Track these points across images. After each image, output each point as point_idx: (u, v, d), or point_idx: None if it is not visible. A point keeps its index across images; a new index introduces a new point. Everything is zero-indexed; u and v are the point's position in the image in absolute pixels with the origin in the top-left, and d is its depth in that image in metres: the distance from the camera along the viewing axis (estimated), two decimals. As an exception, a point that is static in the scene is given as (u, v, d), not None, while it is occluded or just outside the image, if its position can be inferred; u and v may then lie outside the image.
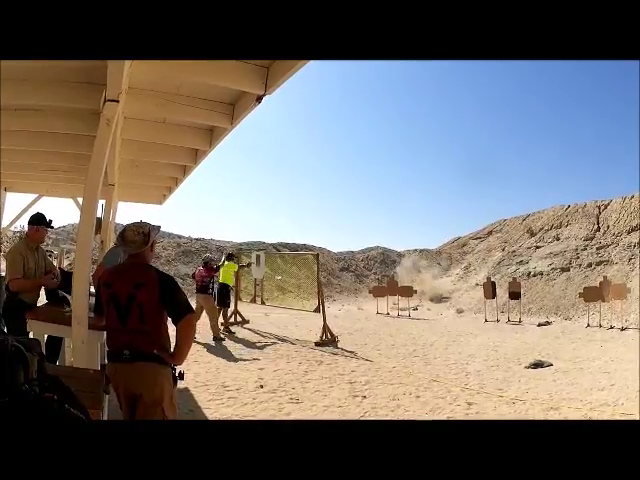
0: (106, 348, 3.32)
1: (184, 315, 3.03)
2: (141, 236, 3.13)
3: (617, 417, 6.07)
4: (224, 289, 11.64)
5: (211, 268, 10.97)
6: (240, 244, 29.24)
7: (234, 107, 5.13)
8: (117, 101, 3.79)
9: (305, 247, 32.31)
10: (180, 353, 3.07)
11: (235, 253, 13.80)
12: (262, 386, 6.45)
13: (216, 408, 5.67)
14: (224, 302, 11.65)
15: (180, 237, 29.80)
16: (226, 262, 11.94)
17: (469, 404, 6.35)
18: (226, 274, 11.71)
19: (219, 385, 6.59)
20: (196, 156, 6.42)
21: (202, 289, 10.72)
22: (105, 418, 3.97)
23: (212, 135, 5.82)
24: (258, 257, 13.04)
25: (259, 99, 4.42)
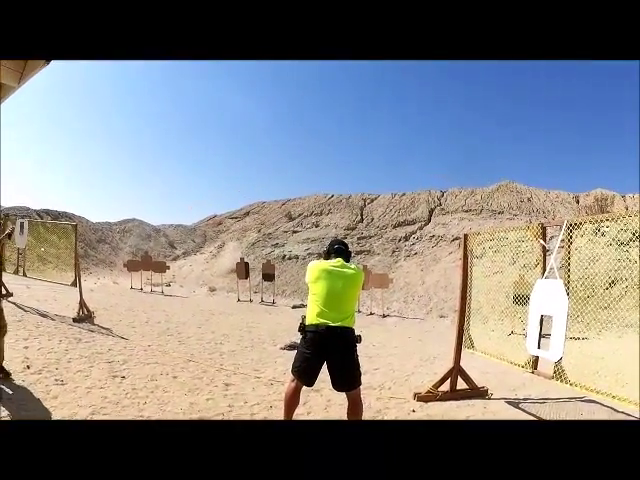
0: None
1: None
2: None
3: (385, 400, 6.24)
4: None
5: None
6: (7, 209, 26.39)
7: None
8: None
9: (66, 215, 30.50)
10: None
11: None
12: (29, 366, 6.08)
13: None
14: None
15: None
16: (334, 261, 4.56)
17: (227, 385, 6.47)
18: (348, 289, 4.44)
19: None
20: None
21: None
22: None
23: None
24: (22, 225, 11.96)
25: None
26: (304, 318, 4.39)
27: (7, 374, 5.44)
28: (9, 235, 5.90)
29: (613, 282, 12.91)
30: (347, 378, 4.30)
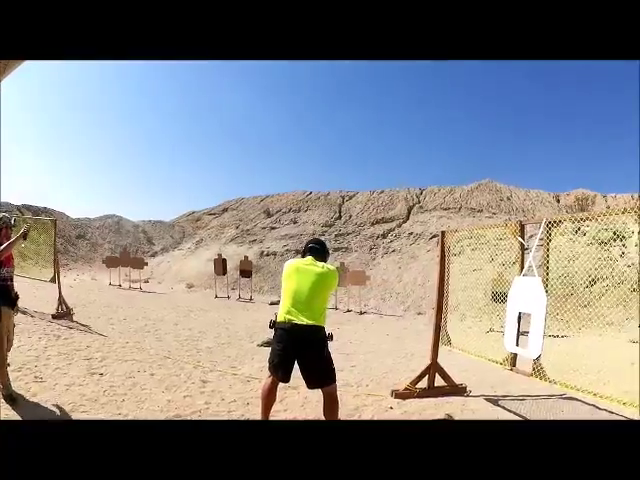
0: None
1: None
2: None
3: (362, 397, 6.19)
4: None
5: None
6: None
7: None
8: None
9: (46, 211, 30.26)
10: None
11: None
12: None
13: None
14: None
15: None
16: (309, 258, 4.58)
17: (204, 382, 6.45)
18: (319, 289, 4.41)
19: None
20: None
21: None
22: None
23: None
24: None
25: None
26: (277, 315, 4.40)
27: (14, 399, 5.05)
28: (24, 235, 5.53)
29: (593, 280, 13.04)
30: (316, 375, 4.30)
